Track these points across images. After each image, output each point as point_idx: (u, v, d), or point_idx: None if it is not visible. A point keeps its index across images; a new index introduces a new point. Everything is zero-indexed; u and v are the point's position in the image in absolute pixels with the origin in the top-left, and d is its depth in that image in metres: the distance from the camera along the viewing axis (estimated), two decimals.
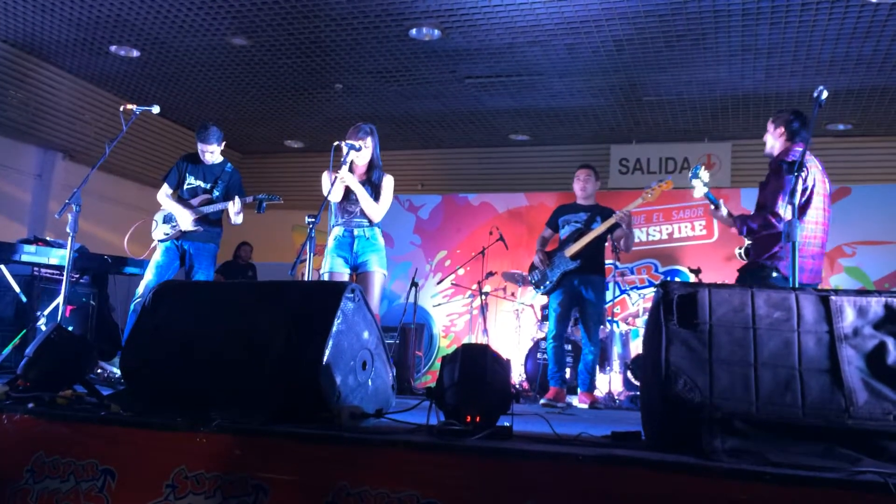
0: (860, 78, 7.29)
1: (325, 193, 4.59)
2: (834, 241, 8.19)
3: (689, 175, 4.57)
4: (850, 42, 6.54)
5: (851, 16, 6.07)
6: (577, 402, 5.73)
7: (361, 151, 4.69)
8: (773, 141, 4.40)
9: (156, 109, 4.92)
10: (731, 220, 4.42)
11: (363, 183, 4.69)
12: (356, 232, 4.65)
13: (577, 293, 5.65)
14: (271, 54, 7.45)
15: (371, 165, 4.78)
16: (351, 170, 4.67)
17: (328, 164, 4.64)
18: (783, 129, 4.34)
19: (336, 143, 4.61)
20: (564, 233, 5.80)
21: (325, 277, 4.60)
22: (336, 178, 4.57)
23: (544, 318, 7.24)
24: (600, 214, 5.70)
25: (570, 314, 5.80)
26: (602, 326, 7.20)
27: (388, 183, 4.76)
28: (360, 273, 4.63)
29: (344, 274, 4.62)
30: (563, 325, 5.66)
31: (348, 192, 4.70)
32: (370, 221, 4.69)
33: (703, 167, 4.54)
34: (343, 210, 4.71)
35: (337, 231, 4.71)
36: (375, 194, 4.69)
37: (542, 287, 5.80)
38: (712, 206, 4.50)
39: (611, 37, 6.67)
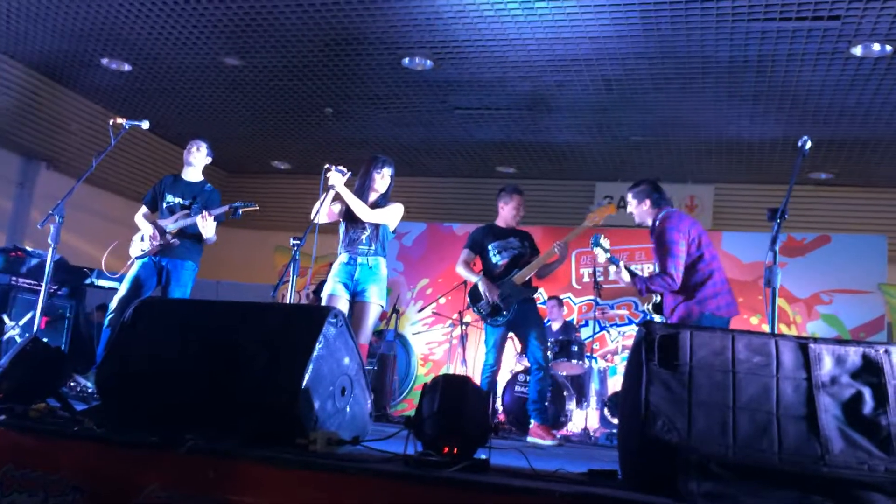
0: (843, 129, 7.43)
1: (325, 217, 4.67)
2: (812, 289, 8.31)
3: (591, 243, 4.85)
4: (833, 93, 6.68)
5: (836, 68, 6.20)
6: (532, 437, 5.40)
7: (384, 179, 4.82)
8: (643, 213, 4.76)
9: (145, 125, 4.91)
10: (632, 281, 4.64)
11: (371, 207, 4.78)
12: (359, 260, 4.68)
13: (518, 320, 5.48)
14: (263, 76, 7.48)
15: (383, 196, 4.88)
16: (366, 199, 4.77)
17: (315, 186, 4.68)
18: (648, 202, 4.72)
19: (326, 166, 4.66)
20: (501, 258, 5.56)
21: (324, 301, 4.63)
22: (325, 196, 4.61)
23: (524, 350, 7.20)
24: (527, 240, 5.66)
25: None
26: (580, 362, 7.21)
27: (395, 204, 4.86)
28: (356, 302, 4.64)
29: (343, 299, 4.64)
30: (501, 355, 5.60)
31: (355, 218, 4.74)
32: (375, 251, 4.72)
33: (603, 237, 4.84)
34: (349, 238, 4.76)
35: (342, 257, 4.76)
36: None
37: (499, 318, 5.48)
38: (613, 267, 4.71)
39: (600, 76, 6.77)
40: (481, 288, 5.53)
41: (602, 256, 4.80)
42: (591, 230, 5.45)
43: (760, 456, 2.10)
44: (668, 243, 4.47)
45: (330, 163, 4.75)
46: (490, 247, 5.62)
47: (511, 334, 5.73)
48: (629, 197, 4.82)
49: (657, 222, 4.65)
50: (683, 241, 4.48)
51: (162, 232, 5.27)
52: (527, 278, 5.48)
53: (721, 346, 2.26)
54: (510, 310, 5.45)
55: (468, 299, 5.73)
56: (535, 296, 5.65)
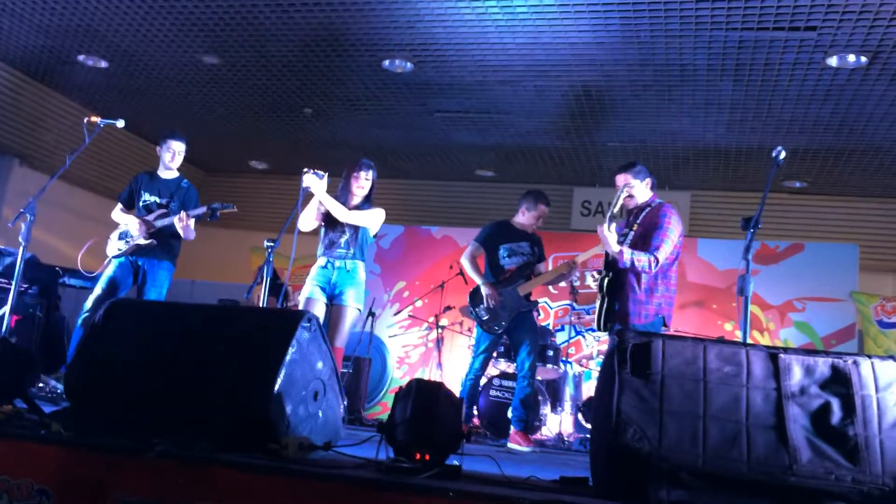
0: (818, 138, 7.51)
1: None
2: (785, 296, 8.40)
3: (621, 187, 4.72)
4: (809, 103, 6.75)
5: (811, 78, 6.27)
6: (512, 443, 5.41)
7: (367, 183, 4.83)
8: (644, 191, 4.67)
9: (120, 123, 4.87)
10: (619, 249, 4.36)
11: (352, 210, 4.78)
12: (338, 263, 4.68)
13: (512, 328, 5.51)
14: (242, 74, 7.43)
15: (366, 199, 4.88)
16: (348, 202, 4.76)
17: (293, 187, 4.68)
18: (650, 181, 4.68)
19: (305, 170, 4.65)
20: (510, 262, 5.56)
21: (301, 304, 4.61)
22: (302, 200, 4.61)
23: (499, 354, 7.22)
24: (537, 245, 5.66)
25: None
26: (555, 367, 7.23)
27: (376, 209, 4.86)
28: (334, 305, 4.64)
29: (320, 302, 4.63)
30: (489, 362, 5.68)
31: (335, 221, 4.73)
32: (354, 254, 4.71)
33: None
34: (328, 240, 4.75)
35: (320, 261, 4.75)
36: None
37: (494, 327, 5.48)
38: (614, 222, 4.45)
39: (580, 82, 6.80)
40: (484, 292, 5.51)
41: (620, 199, 4.60)
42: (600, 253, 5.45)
43: (730, 465, 2.11)
44: (668, 231, 4.40)
45: (308, 165, 4.75)
46: (501, 247, 5.60)
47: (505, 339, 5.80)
48: (628, 177, 4.63)
49: (658, 209, 4.56)
50: (677, 237, 4.45)
51: (148, 224, 5.21)
52: (529, 290, 5.49)
53: (693, 356, 2.28)
54: (508, 320, 5.45)
55: (468, 300, 5.69)
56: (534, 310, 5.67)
